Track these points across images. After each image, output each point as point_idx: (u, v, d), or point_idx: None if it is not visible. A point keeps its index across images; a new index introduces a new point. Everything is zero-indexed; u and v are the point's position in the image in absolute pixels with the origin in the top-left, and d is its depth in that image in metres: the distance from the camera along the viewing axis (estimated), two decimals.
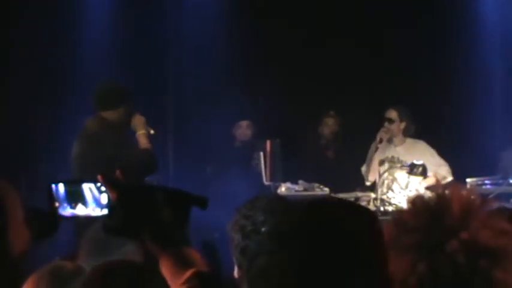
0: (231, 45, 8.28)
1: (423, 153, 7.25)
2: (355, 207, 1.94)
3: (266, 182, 7.38)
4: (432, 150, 7.30)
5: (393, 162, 7.27)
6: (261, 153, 7.46)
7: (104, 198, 2.43)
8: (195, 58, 8.42)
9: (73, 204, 2.48)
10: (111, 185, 2.29)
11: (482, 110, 8.43)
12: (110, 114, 5.89)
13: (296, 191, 7.19)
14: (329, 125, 8.06)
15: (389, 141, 7.36)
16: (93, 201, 2.47)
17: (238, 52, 8.27)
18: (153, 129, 5.94)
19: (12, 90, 7.78)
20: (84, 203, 2.47)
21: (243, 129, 8.13)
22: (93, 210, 2.47)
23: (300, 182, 7.30)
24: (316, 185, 7.28)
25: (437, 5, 8.57)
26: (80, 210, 2.48)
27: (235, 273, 2.67)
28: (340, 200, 2.08)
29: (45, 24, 7.93)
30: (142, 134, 5.88)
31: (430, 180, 7.09)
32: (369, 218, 1.85)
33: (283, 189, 7.23)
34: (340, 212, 1.84)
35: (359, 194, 7.11)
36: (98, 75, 7.05)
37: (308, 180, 7.35)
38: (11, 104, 7.68)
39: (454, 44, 8.55)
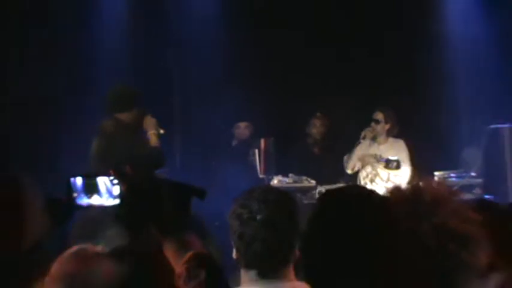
0: (232, 52, 8.28)
1: (400, 152, 7.37)
2: (365, 197, 1.91)
3: (261, 175, 7.45)
4: (407, 151, 7.37)
5: (376, 159, 7.26)
6: (256, 150, 7.55)
7: (116, 190, 2.50)
8: (198, 65, 8.39)
9: (89, 195, 2.56)
10: (122, 178, 2.37)
11: (450, 113, 8.46)
12: (124, 116, 5.88)
13: (287, 183, 7.24)
14: (316, 126, 8.05)
15: (374, 139, 7.45)
16: (107, 193, 2.55)
17: (238, 58, 8.29)
18: (163, 129, 5.93)
19: (36, 92, 7.73)
20: (99, 194, 2.55)
21: (242, 130, 8.18)
22: (106, 200, 2.55)
23: (290, 175, 7.37)
24: (304, 177, 7.32)
25: (409, 18, 8.50)
26: (95, 200, 2.56)
27: (234, 255, 2.65)
28: (358, 189, 2.06)
29: (64, 30, 7.87)
30: (153, 134, 5.92)
31: (405, 172, 7.18)
32: (376, 208, 1.84)
33: (275, 181, 7.29)
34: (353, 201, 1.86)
35: (341, 185, 7.07)
36: (111, 79, 7.01)
37: (297, 173, 7.40)
38: (33, 105, 7.64)
39: (427, 53, 8.48)
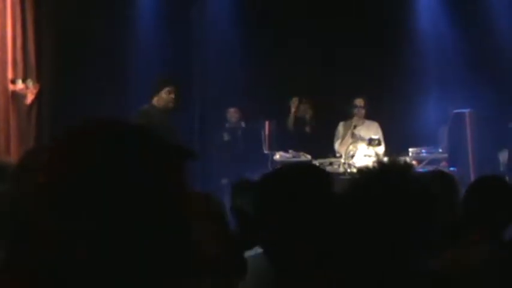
0: (243, 54, 8.42)
1: (376, 132, 7.51)
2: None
3: (266, 151, 7.63)
4: (380, 131, 7.52)
5: (356, 138, 7.41)
6: (262, 131, 7.66)
7: None
8: (214, 60, 8.55)
9: None
10: None
11: (421, 97, 8.52)
12: (155, 100, 6.49)
13: (287, 157, 7.31)
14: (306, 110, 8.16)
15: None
16: None
17: (247, 58, 8.44)
18: None
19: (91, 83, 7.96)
20: None
21: (231, 113, 8.19)
22: None
23: (290, 151, 7.44)
24: (302, 153, 7.38)
25: (388, 18, 8.60)
26: None
27: None
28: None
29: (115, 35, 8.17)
30: None
31: (381, 149, 7.30)
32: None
33: (277, 156, 7.37)
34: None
35: (332, 159, 7.29)
36: (149, 78, 7.37)
37: (295, 149, 7.46)
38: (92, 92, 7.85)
39: (398, 47, 8.59)
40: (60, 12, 7.71)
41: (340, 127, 7.62)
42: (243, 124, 8.03)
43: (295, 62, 8.65)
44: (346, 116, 7.68)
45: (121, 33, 8.27)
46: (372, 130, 7.52)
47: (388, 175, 1.66)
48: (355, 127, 7.44)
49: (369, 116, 7.63)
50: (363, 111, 7.52)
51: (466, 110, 7.61)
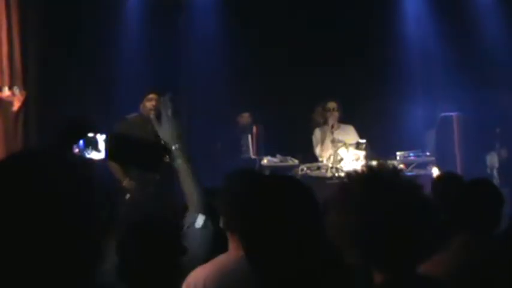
0: (229, 60, 8.39)
1: (353, 135, 7.39)
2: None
3: (253, 156, 7.55)
4: (356, 134, 7.41)
5: (337, 142, 7.15)
6: (249, 135, 7.61)
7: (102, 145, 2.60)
8: (201, 65, 8.54)
9: (89, 152, 2.56)
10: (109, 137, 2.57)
11: (408, 101, 8.51)
12: (141, 108, 6.53)
13: (274, 162, 7.25)
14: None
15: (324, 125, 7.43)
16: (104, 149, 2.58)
17: (233, 64, 8.40)
18: None
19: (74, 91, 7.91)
20: (98, 150, 2.56)
21: (245, 118, 8.17)
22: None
23: (277, 155, 7.37)
24: (289, 157, 7.31)
25: (374, 22, 8.54)
26: (94, 155, 2.56)
27: (221, 224, 2.52)
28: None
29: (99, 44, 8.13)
30: None
31: (363, 152, 7.13)
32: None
33: (265, 161, 7.30)
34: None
35: (320, 164, 7.17)
36: (135, 86, 7.32)
37: (282, 154, 7.39)
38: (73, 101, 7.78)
39: (385, 51, 8.54)
40: (46, 19, 7.67)
41: (317, 133, 7.46)
42: (253, 128, 7.96)
43: (282, 67, 8.62)
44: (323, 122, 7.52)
45: (108, 42, 8.23)
46: (349, 133, 7.37)
47: (377, 179, 1.64)
48: (332, 127, 7.23)
49: (343, 119, 7.45)
50: (336, 114, 7.34)
51: (453, 113, 7.63)
